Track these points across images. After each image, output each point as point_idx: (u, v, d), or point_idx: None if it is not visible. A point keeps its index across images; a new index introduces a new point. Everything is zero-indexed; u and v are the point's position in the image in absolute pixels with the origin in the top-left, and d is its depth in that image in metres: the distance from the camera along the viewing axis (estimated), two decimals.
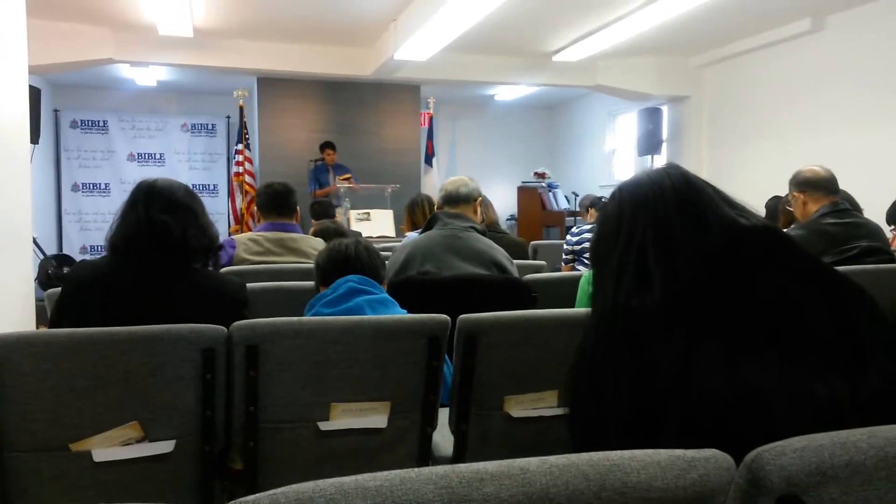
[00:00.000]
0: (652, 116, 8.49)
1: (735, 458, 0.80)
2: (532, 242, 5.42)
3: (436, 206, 3.03)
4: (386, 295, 2.01)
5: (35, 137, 6.55)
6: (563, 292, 2.67)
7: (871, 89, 6.05)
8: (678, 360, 0.97)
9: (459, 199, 2.87)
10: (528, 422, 1.91)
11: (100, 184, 9.62)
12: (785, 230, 3.40)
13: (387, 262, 2.46)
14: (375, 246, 2.23)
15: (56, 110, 9.38)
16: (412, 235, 3.24)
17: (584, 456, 0.75)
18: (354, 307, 1.92)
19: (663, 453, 0.77)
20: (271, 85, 8.52)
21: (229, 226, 8.93)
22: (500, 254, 2.72)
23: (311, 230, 3.90)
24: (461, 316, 1.81)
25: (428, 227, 2.78)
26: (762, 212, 4.83)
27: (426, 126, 9.52)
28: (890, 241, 3.52)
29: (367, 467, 1.79)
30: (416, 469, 0.70)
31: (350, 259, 2.04)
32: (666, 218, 1.11)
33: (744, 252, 1.07)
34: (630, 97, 8.71)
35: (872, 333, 1.02)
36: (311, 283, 2.27)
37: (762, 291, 1.03)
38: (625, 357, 1.02)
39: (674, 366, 0.97)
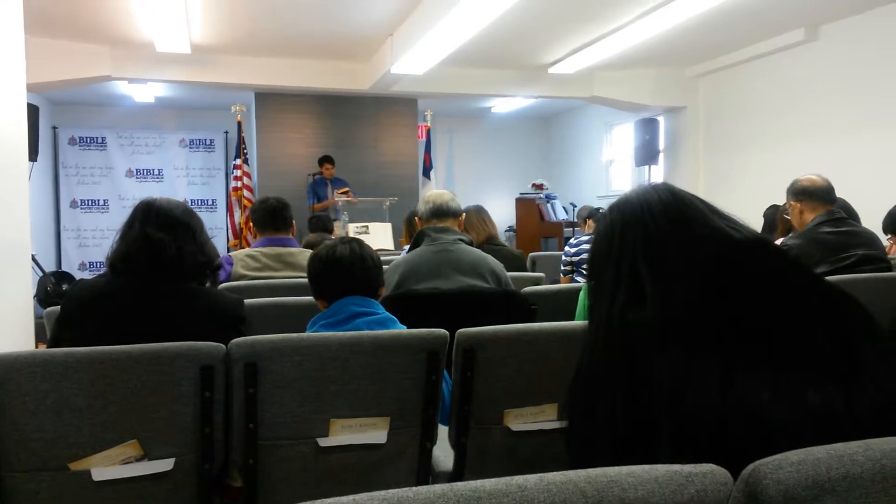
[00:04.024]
0: (648, 127, 8.53)
1: (732, 473, 0.80)
2: (530, 254, 5.43)
3: (418, 219, 2.96)
4: (386, 314, 2.00)
5: (34, 155, 6.58)
6: (562, 304, 2.67)
7: (865, 98, 6.08)
8: (673, 375, 0.98)
9: (449, 213, 2.84)
10: (528, 435, 1.91)
11: (98, 200, 9.63)
12: (781, 239, 3.42)
13: None
14: None
15: (54, 127, 9.41)
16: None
17: (582, 472, 0.75)
18: (353, 330, 1.91)
19: (661, 468, 0.77)
20: (269, 100, 8.55)
21: (228, 241, 8.94)
22: (493, 262, 2.71)
23: (303, 244, 3.91)
24: (460, 330, 1.82)
25: (416, 245, 2.75)
26: (758, 221, 4.83)
27: (424, 139, 9.55)
28: (886, 249, 3.53)
29: (367, 483, 1.79)
30: (413, 488, 0.70)
31: (344, 270, 1.99)
32: (656, 233, 1.11)
33: (737, 265, 1.08)
34: (626, 108, 8.75)
35: (868, 346, 1.02)
36: (310, 298, 2.27)
37: (756, 304, 1.04)
38: (620, 373, 1.03)
39: (669, 380, 0.98)
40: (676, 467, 0.78)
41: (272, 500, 1.73)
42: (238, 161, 8.66)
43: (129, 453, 1.62)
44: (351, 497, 0.68)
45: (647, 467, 0.77)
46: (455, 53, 6.57)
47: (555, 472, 0.75)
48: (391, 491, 0.69)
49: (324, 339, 1.72)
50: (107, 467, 1.61)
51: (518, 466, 1.89)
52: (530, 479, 0.73)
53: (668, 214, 1.13)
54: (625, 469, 0.76)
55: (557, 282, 5.05)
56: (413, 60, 6.57)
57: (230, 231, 8.86)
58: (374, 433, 1.78)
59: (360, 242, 2.08)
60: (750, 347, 0.99)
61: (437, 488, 0.70)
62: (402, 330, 1.92)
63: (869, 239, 3.13)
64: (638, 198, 1.18)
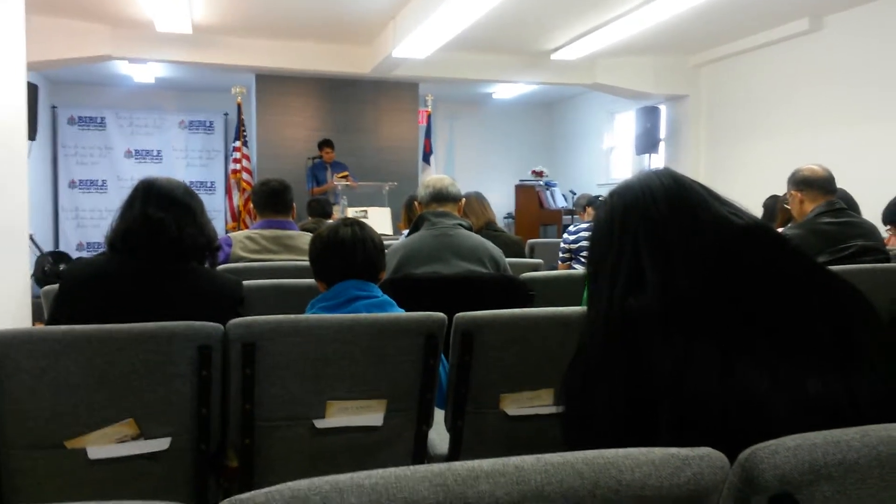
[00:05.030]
0: (650, 115, 8.50)
1: (729, 457, 0.80)
2: (529, 241, 5.42)
3: (418, 204, 2.96)
4: (385, 297, 2.00)
5: (32, 134, 6.55)
6: (560, 291, 2.67)
7: (869, 89, 6.06)
8: (674, 360, 0.98)
9: (448, 198, 2.83)
10: (524, 420, 1.91)
11: (97, 180, 9.61)
12: (781, 229, 3.41)
13: None
14: None
15: (54, 107, 9.36)
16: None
17: (579, 454, 0.75)
18: (353, 312, 1.91)
19: (657, 451, 0.77)
20: (270, 82, 8.50)
21: (226, 223, 8.93)
22: (492, 247, 2.71)
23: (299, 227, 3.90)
24: (458, 314, 1.82)
25: (415, 229, 2.74)
26: (758, 211, 4.82)
27: (424, 124, 9.52)
28: (885, 240, 3.53)
29: (363, 465, 1.79)
30: (411, 467, 0.70)
31: (345, 253, 1.98)
32: (657, 218, 1.11)
33: (738, 251, 1.08)
34: (628, 96, 8.71)
35: (868, 334, 1.02)
36: (308, 281, 2.27)
37: (757, 291, 1.04)
38: (621, 357, 1.03)
39: (669, 365, 0.98)
40: (673, 450, 0.78)
41: (268, 481, 1.73)
42: (237, 143, 8.63)
43: (125, 432, 1.63)
44: (349, 475, 0.68)
45: (644, 450, 0.77)
46: (457, 38, 6.53)
47: (552, 454, 0.75)
48: (389, 469, 0.69)
49: (322, 321, 1.72)
50: (102, 446, 1.61)
51: (514, 451, 1.89)
52: (527, 460, 0.73)
53: (669, 200, 1.12)
54: (622, 451, 0.76)
55: (556, 268, 5.05)
56: (415, 44, 6.54)
57: (228, 213, 8.85)
58: (370, 415, 1.78)
59: (361, 225, 2.06)
60: (751, 334, 0.99)
61: (435, 468, 0.70)
62: (400, 313, 1.92)
63: (868, 230, 3.13)
64: (639, 183, 1.17)
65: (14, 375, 1.54)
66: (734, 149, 7.75)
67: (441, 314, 1.80)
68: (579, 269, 4.50)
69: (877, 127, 5.99)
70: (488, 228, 4.06)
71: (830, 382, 0.95)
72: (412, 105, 9.21)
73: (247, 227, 6.75)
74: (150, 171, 9.46)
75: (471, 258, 2.61)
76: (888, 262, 3.03)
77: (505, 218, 10.56)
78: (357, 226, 2.05)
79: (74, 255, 8.83)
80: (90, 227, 9.57)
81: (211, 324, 1.67)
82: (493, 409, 1.91)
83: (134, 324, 1.61)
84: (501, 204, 10.33)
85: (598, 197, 5.84)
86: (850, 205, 3.43)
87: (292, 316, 1.70)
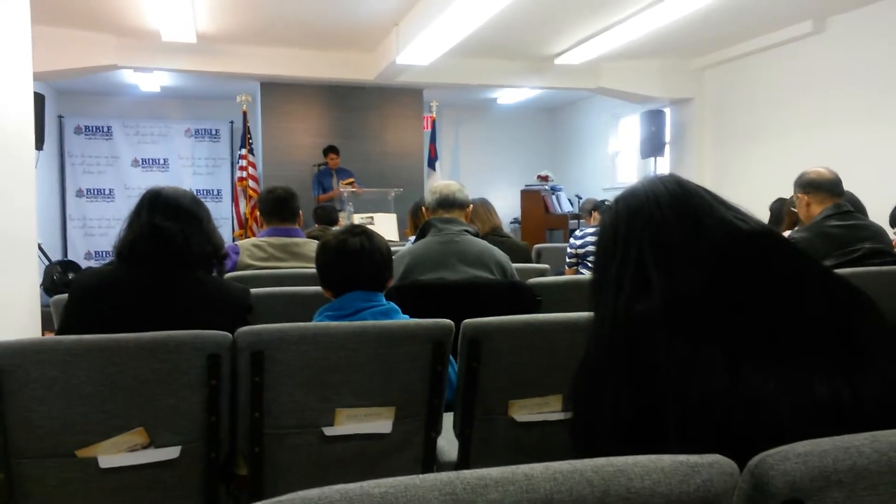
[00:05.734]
0: (655, 119, 8.48)
1: (738, 463, 0.80)
2: (535, 246, 5.42)
3: (425, 209, 2.95)
4: (390, 304, 2.00)
5: (40, 143, 6.58)
6: (567, 296, 2.67)
7: (874, 90, 6.04)
8: (679, 365, 0.98)
9: (455, 204, 2.83)
10: (533, 426, 1.91)
11: (104, 189, 9.65)
12: (787, 233, 3.40)
13: None
14: None
15: (60, 116, 9.41)
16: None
17: (588, 462, 0.75)
18: (359, 320, 1.91)
19: (667, 458, 0.77)
20: (274, 90, 8.54)
21: (233, 231, 8.95)
22: (498, 253, 2.71)
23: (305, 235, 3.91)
24: (465, 321, 1.82)
25: (422, 235, 2.74)
26: (765, 214, 4.81)
27: (429, 130, 9.53)
28: (893, 243, 3.51)
29: (372, 472, 1.80)
30: (420, 475, 0.70)
31: (351, 264, 1.99)
32: (662, 223, 1.11)
33: (743, 256, 1.08)
34: (633, 100, 8.71)
35: (873, 336, 1.02)
36: (315, 288, 2.27)
37: (762, 294, 1.04)
38: (626, 362, 1.03)
39: (674, 370, 0.98)
40: (682, 457, 0.78)
41: (278, 489, 1.74)
42: (243, 151, 8.65)
43: (135, 441, 1.63)
44: (358, 484, 0.68)
45: (653, 457, 0.77)
46: (461, 44, 6.54)
47: (561, 462, 0.75)
48: (399, 478, 0.69)
49: (330, 329, 1.72)
50: (113, 455, 1.62)
51: (522, 457, 1.89)
52: (536, 468, 0.73)
53: (674, 205, 1.13)
54: (631, 459, 0.76)
55: (562, 274, 5.05)
56: (419, 50, 6.55)
57: (235, 221, 8.88)
58: (379, 423, 1.79)
59: (369, 235, 2.05)
60: (755, 337, 0.99)
61: (444, 476, 0.70)
62: (407, 320, 1.93)
63: (876, 232, 3.11)
64: (644, 189, 1.17)
65: (25, 385, 1.54)
66: (740, 151, 7.74)
67: (448, 321, 1.81)
68: (586, 274, 4.49)
69: (882, 128, 5.97)
70: (494, 234, 4.06)
71: (837, 386, 0.95)
72: (417, 111, 9.23)
73: (254, 235, 6.77)
74: (157, 179, 9.49)
75: (477, 264, 2.61)
76: None
77: (511, 223, 10.56)
78: (365, 235, 2.04)
79: (82, 264, 8.86)
80: (98, 235, 9.61)
81: (220, 332, 1.67)
82: (501, 416, 1.91)
83: (143, 333, 1.61)
84: (507, 209, 10.32)
85: (603, 201, 5.84)
86: (857, 207, 3.41)
87: (300, 324, 1.71)
